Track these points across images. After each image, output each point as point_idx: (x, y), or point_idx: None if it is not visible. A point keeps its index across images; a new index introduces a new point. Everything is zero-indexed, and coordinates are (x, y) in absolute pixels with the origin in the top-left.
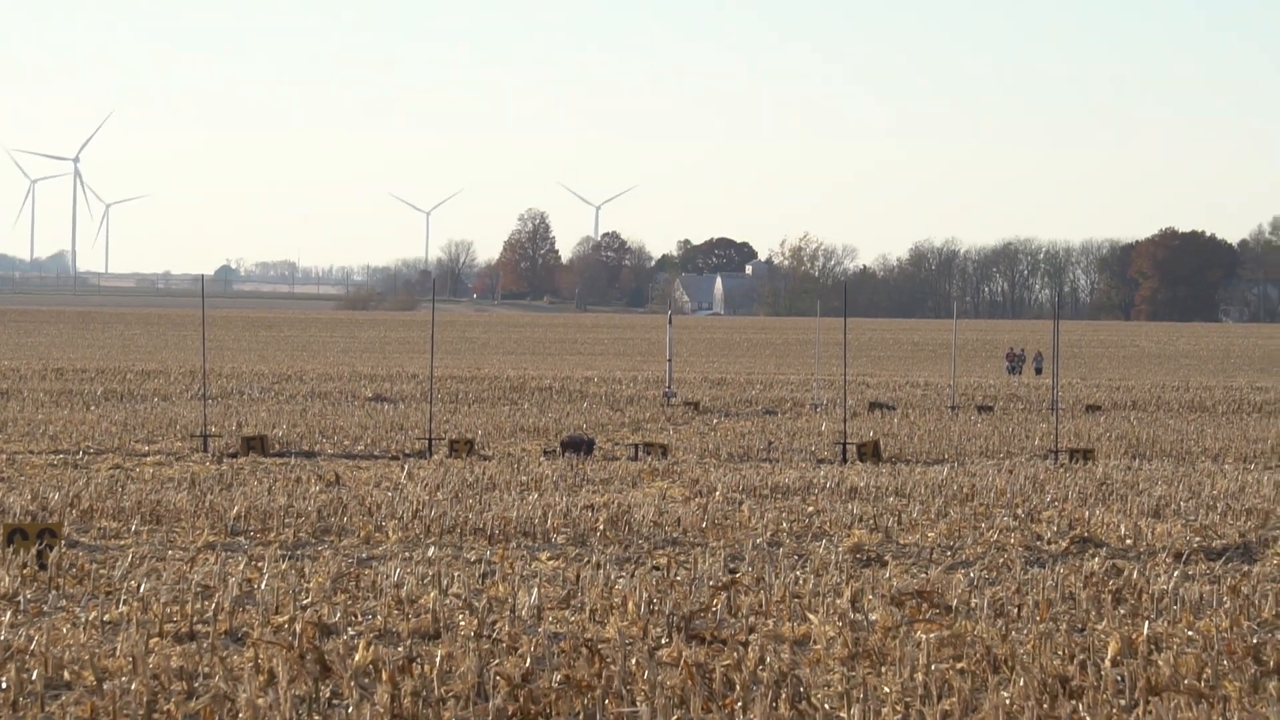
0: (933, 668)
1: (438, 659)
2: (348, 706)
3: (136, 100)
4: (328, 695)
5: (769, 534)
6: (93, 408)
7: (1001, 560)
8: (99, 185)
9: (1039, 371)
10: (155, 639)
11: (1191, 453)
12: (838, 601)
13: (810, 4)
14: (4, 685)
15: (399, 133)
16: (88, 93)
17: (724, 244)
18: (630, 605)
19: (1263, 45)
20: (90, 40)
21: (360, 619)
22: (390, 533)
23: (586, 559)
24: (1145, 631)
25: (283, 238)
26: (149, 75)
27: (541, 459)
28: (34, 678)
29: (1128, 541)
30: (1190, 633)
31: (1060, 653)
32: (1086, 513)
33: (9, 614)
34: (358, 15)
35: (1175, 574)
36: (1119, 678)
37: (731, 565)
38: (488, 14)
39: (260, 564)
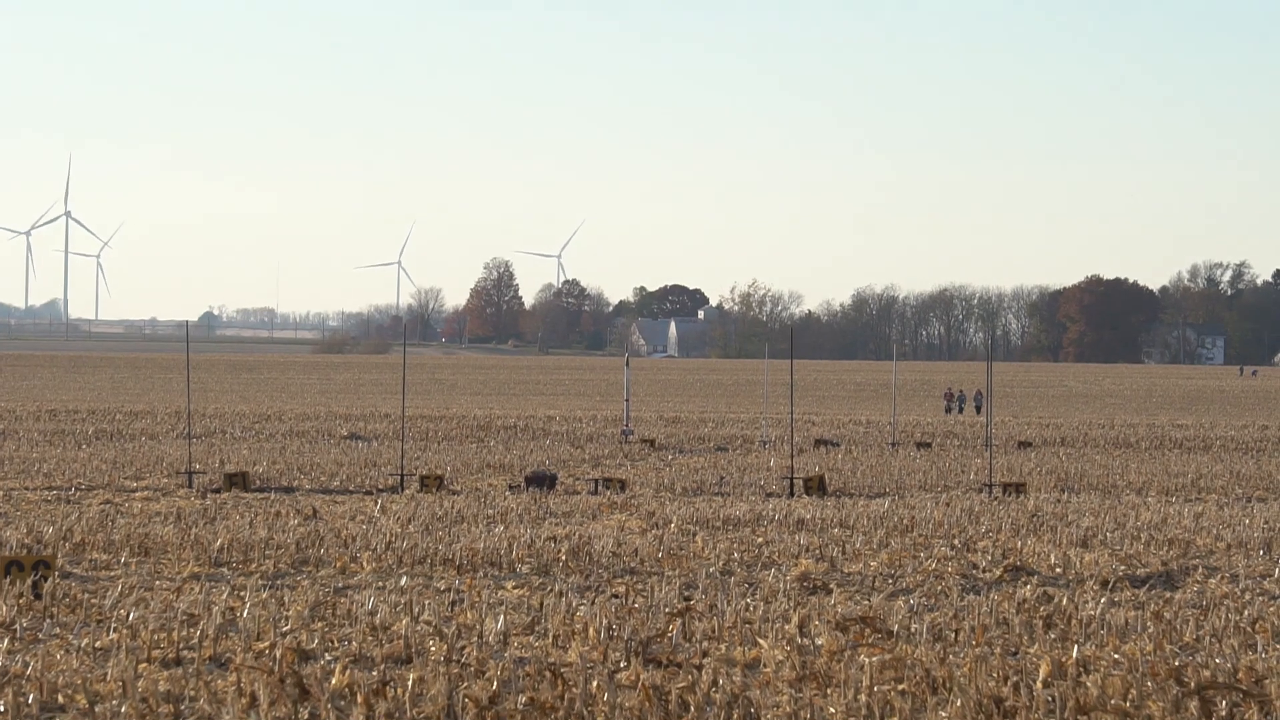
0: (875, 689)
1: (410, 682)
2: None
3: (127, 150)
4: (306, 717)
5: (721, 563)
6: (84, 446)
7: (939, 588)
8: (88, 237)
9: (979, 410)
10: (144, 664)
11: (1117, 486)
12: (786, 627)
13: (756, 60)
14: (1, 709)
15: (371, 187)
16: (77, 145)
17: (677, 290)
18: (591, 631)
19: (1182, 99)
20: (73, 94)
21: (337, 645)
22: (365, 563)
23: (549, 588)
24: (1074, 655)
25: (263, 286)
26: (135, 127)
27: (507, 493)
28: (30, 701)
29: (1058, 570)
30: (1116, 656)
31: (995, 675)
32: (1019, 543)
33: (6, 641)
34: (333, 72)
35: (1102, 600)
36: (1050, 698)
37: (686, 593)
38: (453, 70)
39: (242, 593)
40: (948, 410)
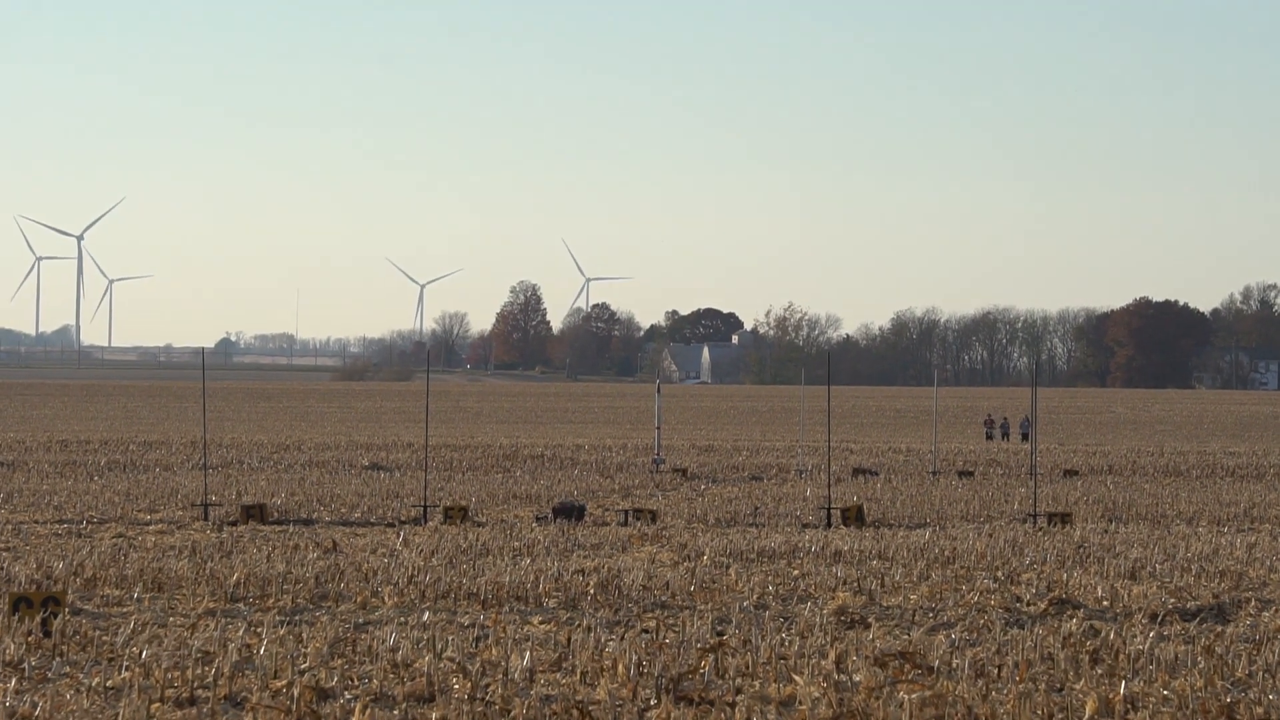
0: None
1: None
2: None
3: (138, 178)
4: None
5: (755, 597)
6: (96, 478)
7: (982, 621)
8: (102, 261)
9: (1026, 437)
10: (156, 704)
11: (1166, 516)
12: (823, 663)
13: (792, 80)
14: None
15: (395, 206)
16: (95, 171)
17: (710, 314)
18: (620, 667)
19: (1235, 118)
20: (98, 117)
21: (357, 683)
22: (386, 598)
23: (577, 622)
24: (1122, 691)
25: (281, 311)
26: (150, 154)
27: (533, 525)
28: None
29: (1105, 603)
30: (1166, 692)
31: (1039, 712)
32: (1065, 575)
33: (14, 681)
34: (352, 93)
35: (1151, 635)
36: None
37: (719, 628)
38: (477, 90)
39: (259, 630)
40: (988, 437)
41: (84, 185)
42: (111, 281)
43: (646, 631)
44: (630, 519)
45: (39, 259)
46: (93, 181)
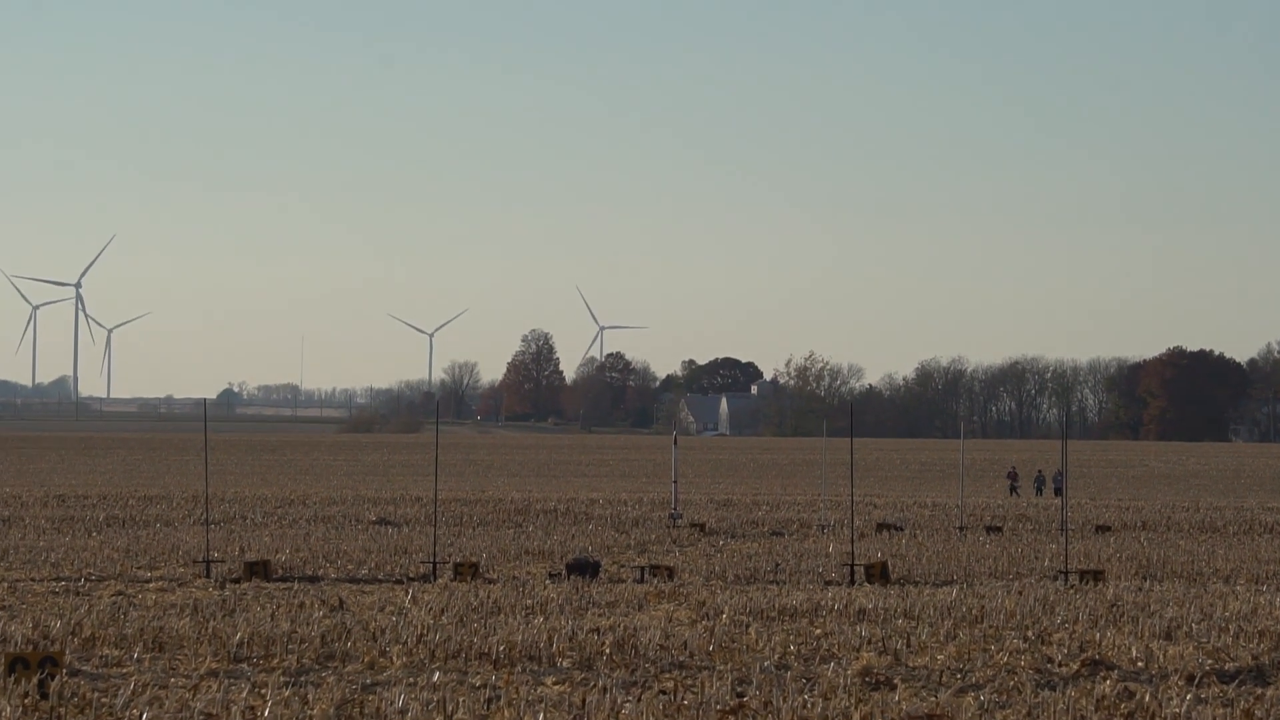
0: None
1: None
2: None
3: (137, 225)
4: None
5: (776, 657)
6: (94, 534)
7: (1012, 683)
8: (101, 311)
9: (1059, 492)
10: None
11: (1203, 574)
12: None
13: (815, 124)
14: None
15: (400, 254)
16: (88, 218)
17: (729, 364)
18: None
19: (1271, 162)
20: (90, 166)
21: None
22: (395, 658)
23: (593, 683)
24: None
25: (285, 361)
26: (149, 201)
27: (547, 582)
28: None
29: (1139, 664)
30: None
31: None
32: (1097, 635)
33: None
34: (357, 137)
35: (1188, 697)
36: None
37: (739, 689)
38: (486, 133)
39: (263, 691)
40: (1011, 491)
41: (80, 235)
42: (111, 330)
43: (664, 693)
44: (647, 576)
45: (35, 307)
46: (89, 231)
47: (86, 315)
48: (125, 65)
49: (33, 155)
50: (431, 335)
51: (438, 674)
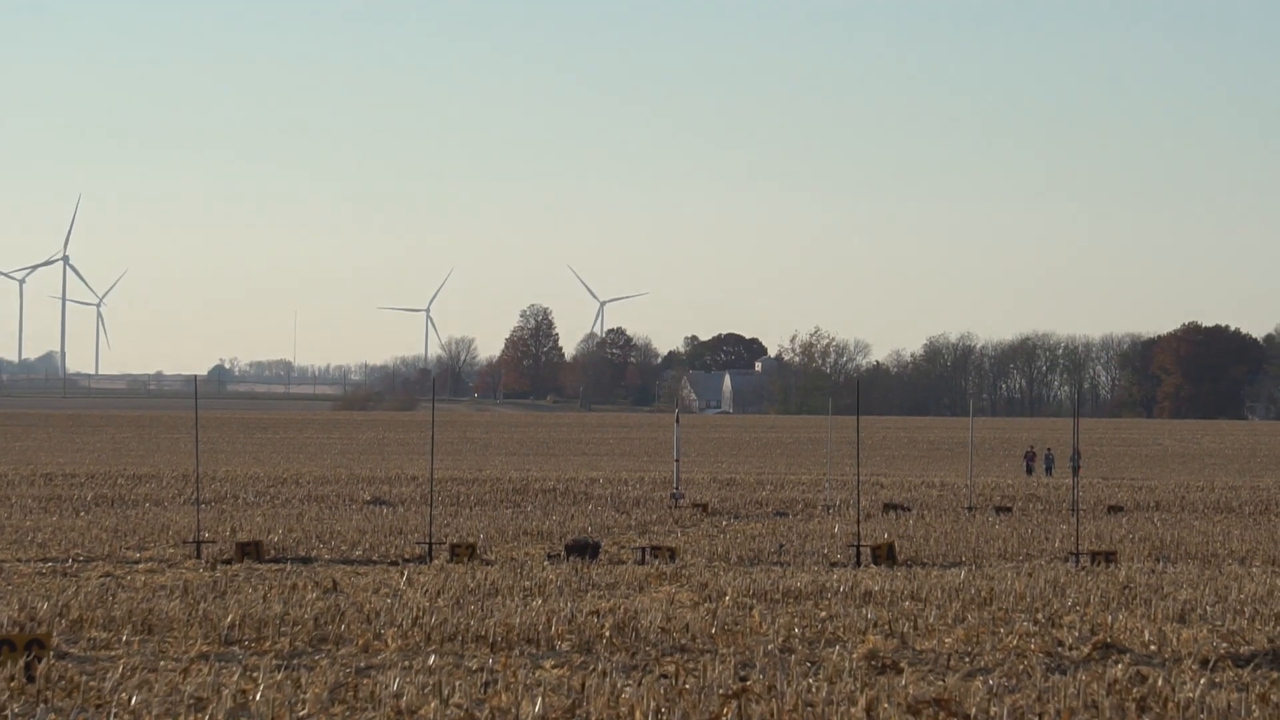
0: None
1: None
2: None
3: (130, 197)
4: None
5: (781, 640)
6: (82, 514)
7: (1021, 667)
8: (89, 283)
9: (1076, 471)
10: None
11: (1218, 555)
12: (852, 710)
13: (817, 98)
14: None
15: (395, 227)
16: (73, 193)
17: (732, 340)
18: (638, 714)
19: None
20: (71, 136)
21: None
22: (389, 641)
23: (592, 667)
24: None
25: (278, 337)
26: (138, 173)
27: (545, 563)
28: None
29: (1152, 647)
30: None
31: None
32: (1109, 617)
33: None
34: (351, 111)
35: (1202, 681)
36: None
37: (742, 673)
38: (484, 109)
39: (255, 674)
40: (1029, 471)
41: (69, 212)
42: (100, 303)
43: (665, 676)
44: (648, 557)
45: (22, 280)
46: (72, 205)
47: (77, 274)
48: (122, 40)
49: (19, 121)
50: (428, 311)
51: (433, 657)
